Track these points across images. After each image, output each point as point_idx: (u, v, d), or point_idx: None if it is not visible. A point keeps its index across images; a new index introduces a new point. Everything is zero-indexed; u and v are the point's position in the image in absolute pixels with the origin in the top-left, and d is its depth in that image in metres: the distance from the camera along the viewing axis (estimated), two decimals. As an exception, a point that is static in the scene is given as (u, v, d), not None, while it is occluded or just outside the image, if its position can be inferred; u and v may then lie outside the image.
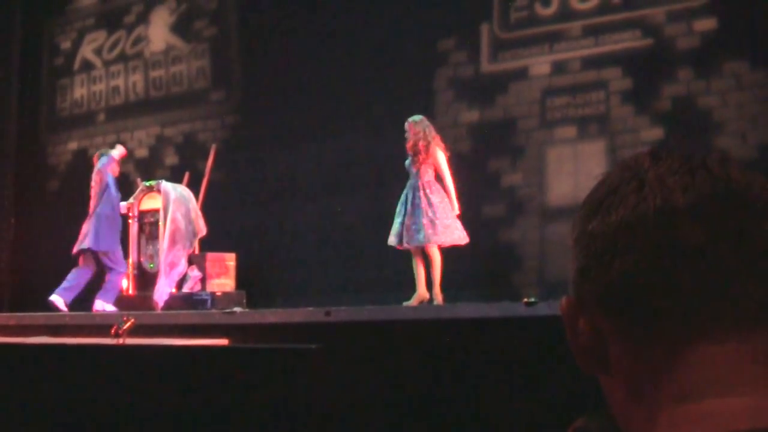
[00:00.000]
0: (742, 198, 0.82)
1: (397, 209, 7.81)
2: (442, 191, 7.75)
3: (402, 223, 7.72)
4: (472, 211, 8.60)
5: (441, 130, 8.24)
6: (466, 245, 7.79)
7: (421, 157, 7.73)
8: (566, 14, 8.68)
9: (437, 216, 7.61)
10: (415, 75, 9.19)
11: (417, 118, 7.89)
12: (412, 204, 7.66)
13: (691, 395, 0.78)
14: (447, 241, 7.62)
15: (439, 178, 7.78)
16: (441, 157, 7.75)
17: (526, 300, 5.52)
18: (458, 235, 7.66)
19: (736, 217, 0.80)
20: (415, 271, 7.76)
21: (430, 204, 7.63)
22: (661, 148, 0.88)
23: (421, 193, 7.68)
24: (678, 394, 0.79)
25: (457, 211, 7.70)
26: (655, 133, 7.97)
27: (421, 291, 7.67)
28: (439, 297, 7.60)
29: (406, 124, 7.88)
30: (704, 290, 0.79)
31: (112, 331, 5.89)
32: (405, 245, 7.68)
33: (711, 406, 0.77)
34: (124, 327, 5.91)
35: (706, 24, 7.91)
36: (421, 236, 7.58)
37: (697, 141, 7.72)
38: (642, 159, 0.86)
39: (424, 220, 7.58)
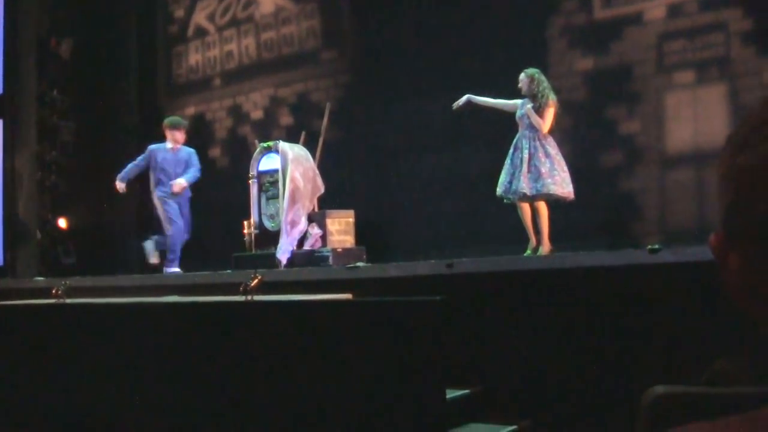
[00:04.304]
0: None
1: (506, 160, 7.79)
2: (555, 143, 7.70)
3: (511, 173, 7.71)
4: (590, 160, 8.51)
5: (555, 80, 8.16)
6: (585, 195, 7.73)
7: (536, 109, 7.70)
8: (682, -45, 8.42)
9: (555, 166, 7.59)
10: (528, 25, 9.08)
11: (531, 70, 7.85)
12: (529, 154, 7.63)
13: None
14: (564, 192, 7.59)
15: (551, 129, 7.74)
16: (551, 113, 7.70)
17: (650, 247, 5.45)
18: (571, 189, 7.62)
19: None
20: (524, 222, 7.75)
21: (547, 155, 7.60)
22: None
23: (537, 143, 7.65)
24: None
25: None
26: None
27: (536, 239, 7.68)
28: (546, 247, 7.58)
29: (521, 75, 7.85)
30: None
31: (241, 288, 6.06)
32: (519, 195, 7.65)
33: None
34: (252, 284, 6.08)
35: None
36: (539, 185, 7.55)
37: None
38: None
39: (543, 170, 7.55)
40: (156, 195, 9.79)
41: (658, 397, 1.77)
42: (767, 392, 0.80)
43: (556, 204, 7.69)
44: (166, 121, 10.08)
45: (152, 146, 9.96)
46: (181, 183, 9.67)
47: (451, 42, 9.39)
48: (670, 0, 8.48)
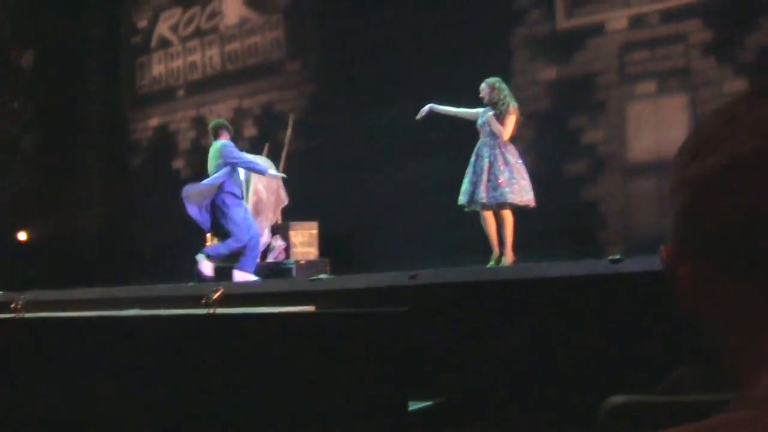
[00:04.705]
0: None
1: (468, 169, 7.80)
2: (516, 151, 7.73)
3: (473, 183, 7.71)
4: (553, 169, 8.55)
5: (519, 89, 8.19)
6: (548, 205, 7.75)
7: (497, 117, 7.72)
8: (643, -33, 8.50)
9: (514, 175, 7.60)
10: (491, 35, 9.12)
11: (492, 79, 7.88)
12: (489, 162, 7.64)
13: None
14: (523, 200, 7.59)
15: (513, 138, 7.75)
16: (512, 120, 7.72)
17: (611, 257, 5.46)
18: (531, 196, 7.64)
19: None
20: (487, 232, 7.75)
21: (506, 163, 7.61)
22: (753, 92, 0.88)
23: (498, 151, 7.66)
24: None
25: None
26: (738, 85, 7.77)
27: (498, 250, 7.68)
28: (509, 257, 7.58)
29: (482, 84, 7.87)
30: None
31: (203, 301, 6.00)
32: (479, 204, 7.66)
33: None
34: (214, 297, 6.02)
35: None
36: (498, 194, 7.56)
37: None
38: (735, 103, 0.87)
39: (501, 179, 7.56)
40: None
41: (616, 406, 1.76)
42: (723, 400, 0.79)
43: (520, 213, 7.70)
44: None
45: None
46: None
47: (415, 52, 9.40)
48: (632, 11, 8.56)
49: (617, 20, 8.65)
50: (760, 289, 0.81)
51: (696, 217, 0.84)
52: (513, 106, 7.75)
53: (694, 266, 0.85)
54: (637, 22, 8.53)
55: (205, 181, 8.71)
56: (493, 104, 7.77)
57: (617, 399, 1.77)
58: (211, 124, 9.24)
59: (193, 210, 8.69)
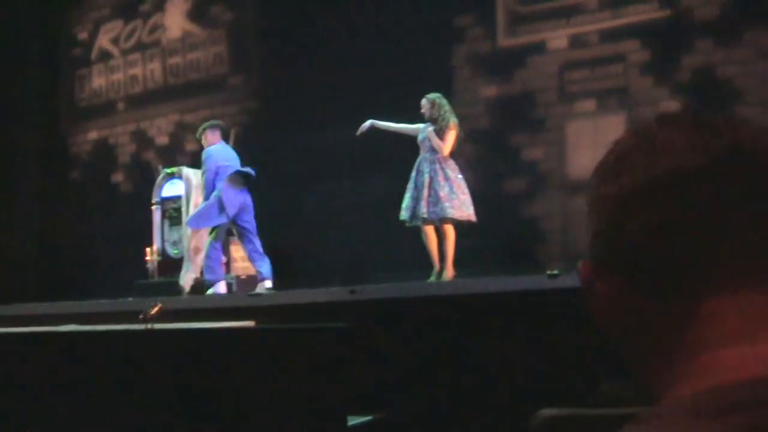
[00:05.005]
0: (751, 155, 0.84)
1: (409, 184, 7.82)
2: (456, 166, 7.76)
3: (414, 198, 7.73)
4: (494, 186, 8.61)
5: (460, 107, 8.24)
6: (488, 221, 7.80)
7: (437, 132, 7.74)
8: (583, -13, 8.63)
9: (454, 190, 7.62)
10: (433, 52, 9.17)
11: (433, 95, 7.91)
12: (429, 177, 7.66)
13: (706, 346, 0.80)
14: (463, 215, 7.62)
15: (452, 153, 7.78)
16: (452, 135, 7.74)
17: (549, 272, 5.52)
18: (472, 211, 7.66)
19: (746, 173, 0.83)
20: (428, 247, 7.77)
21: (446, 178, 7.64)
22: (669, 113, 0.90)
23: (438, 167, 7.69)
24: (694, 346, 0.81)
25: None
26: (674, 105, 7.92)
27: (439, 265, 7.70)
28: (450, 272, 7.60)
29: (423, 100, 7.90)
30: (715, 246, 0.81)
31: (140, 316, 5.93)
32: (420, 220, 7.68)
33: (725, 355, 0.79)
34: (152, 312, 5.95)
35: (724, -8, 7.85)
36: (438, 209, 7.58)
37: (717, 111, 7.65)
38: (651, 124, 0.89)
39: (441, 194, 7.58)
40: None
41: (547, 419, 1.77)
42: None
43: (461, 229, 7.73)
44: None
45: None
46: None
47: (357, 69, 9.41)
48: (572, 31, 8.68)
49: (558, 39, 8.77)
50: (670, 307, 0.83)
51: (610, 236, 0.86)
52: (453, 121, 7.78)
53: (608, 284, 0.87)
54: (577, 41, 8.65)
55: None
56: (433, 120, 7.81)
57: (548, 412, 1.78)
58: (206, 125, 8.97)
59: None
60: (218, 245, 8.34)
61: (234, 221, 8.22)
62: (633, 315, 0.86)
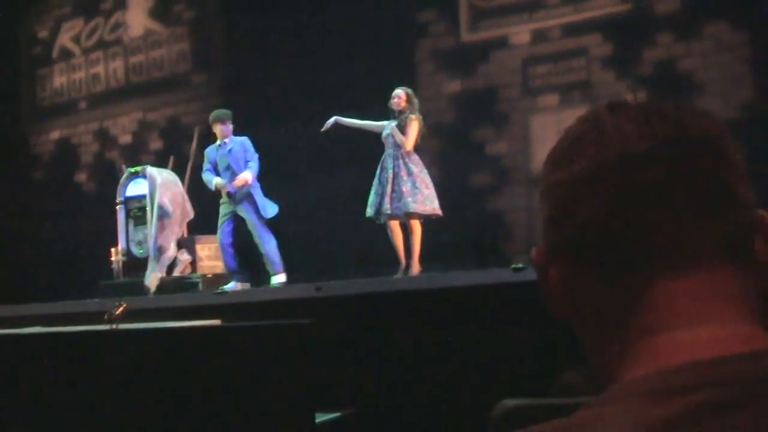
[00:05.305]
0: (698, 141, 0.85)
1: (374, 181, 7.80)
2: (420, 161, 7.74)
3: (379, 194, 7.72)
4: (458, 181, 8.63)
5: (424, 102, 8.24)
6: (453, 216, 7.81)
7: (400, 126, 7.71)
8: (545, -18, 8.68)
9: (417, 184, 7.61)
10: (396, 47, 9.17)
11: (408, 89, 7.88)
12: (393, 173, 7.65)
13: (656, 329, 0.81)
14: (427, 209, 7.61)
15: (416, 149, 7.76)
16: (414, 128, 7.69)
17: (514, 266, 5.55)
18: (437, 205, 7.65)
19: (693, 159, 0.84)
20: (393, 243, 7.76)
21: (410, 173, 7.63)
22: (618, 100, 0.91)
23: (401, 162, 7.68)
24: (644, 328, 0.82)
25: None
26: (636, 98, 7.96)
27: (405, 261, 7.70)
28: (416, 268, 7.59)
29: (398, 90, 7.82)
30: (664, 230, 0.82)
31: (105, 317, 5.88)
32: (385, 216, 7.67)
33: (675, 337, 0.80)
34: (116, 313, 5.90)
35: (684, -14, 7.92)
36: (402, 205, 7.57)
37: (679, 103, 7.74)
38: (600, 111, 0.90)
39: (404, 189, 7.57)
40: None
41: (508, 410, 1.78)
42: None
43: (427, 224, 7.73)
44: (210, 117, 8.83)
45: (207, 148, 8.69)
46: (242, 177, 8.32)
47: (321, 65, 9.40)
48: (535, 26, 8.72)
49: (520, 34, 8.81)
50: (621, 291, 0.84)
51: (560, 221, 0.88)
52: (415, 115, 7.75)
53: (561, 268, 0.88)
54: (539, 36, 8.70)
55: None
56: (401, 113, 7.72)
57: (509, 402, 1.79)
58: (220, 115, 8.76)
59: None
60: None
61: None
62: (585, 300, 0.87)
